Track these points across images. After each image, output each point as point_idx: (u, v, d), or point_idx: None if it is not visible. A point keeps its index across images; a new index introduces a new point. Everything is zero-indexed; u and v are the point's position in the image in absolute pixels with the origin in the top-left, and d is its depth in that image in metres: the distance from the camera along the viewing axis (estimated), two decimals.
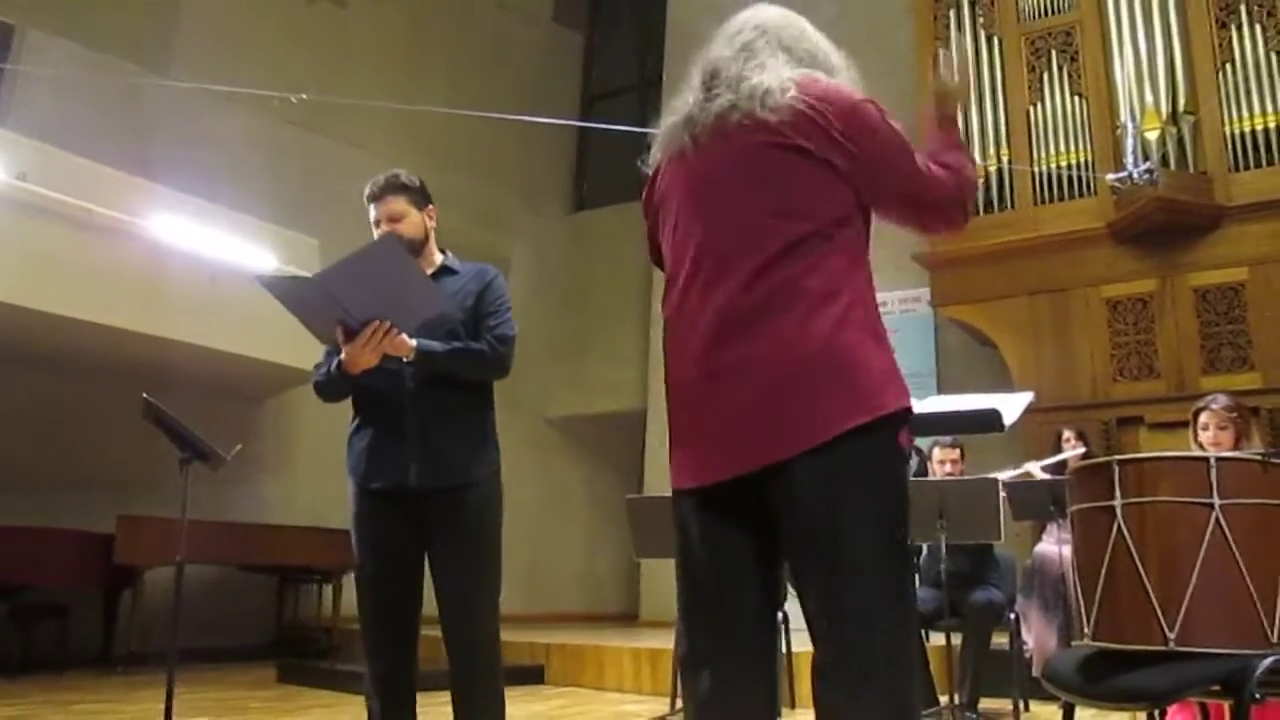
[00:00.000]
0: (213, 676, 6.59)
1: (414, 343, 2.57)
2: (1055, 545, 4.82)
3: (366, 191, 2.79)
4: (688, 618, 1.72)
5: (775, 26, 1.83)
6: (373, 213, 2.78)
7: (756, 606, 1.68)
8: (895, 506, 1.61)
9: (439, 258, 2.84)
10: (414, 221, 2.77)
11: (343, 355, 2.57)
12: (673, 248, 1.80)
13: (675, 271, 1.78)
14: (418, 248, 2.77)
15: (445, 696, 2.66)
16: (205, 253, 7.42)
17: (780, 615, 1.83)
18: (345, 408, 2.79)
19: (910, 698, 1.58)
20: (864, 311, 1.65)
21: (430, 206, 2.84)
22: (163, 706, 3.36)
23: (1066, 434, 5.35)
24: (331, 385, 2.71)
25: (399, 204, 2.76)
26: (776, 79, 1.71)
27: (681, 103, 1.83)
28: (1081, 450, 5.09)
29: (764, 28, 1.82)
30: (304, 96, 5.46)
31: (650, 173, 1.90)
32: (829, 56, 1.83)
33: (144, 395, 3.48)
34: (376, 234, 2.77)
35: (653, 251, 1.94)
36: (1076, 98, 7.25)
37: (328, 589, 8.50)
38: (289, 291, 2.54)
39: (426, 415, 2.66)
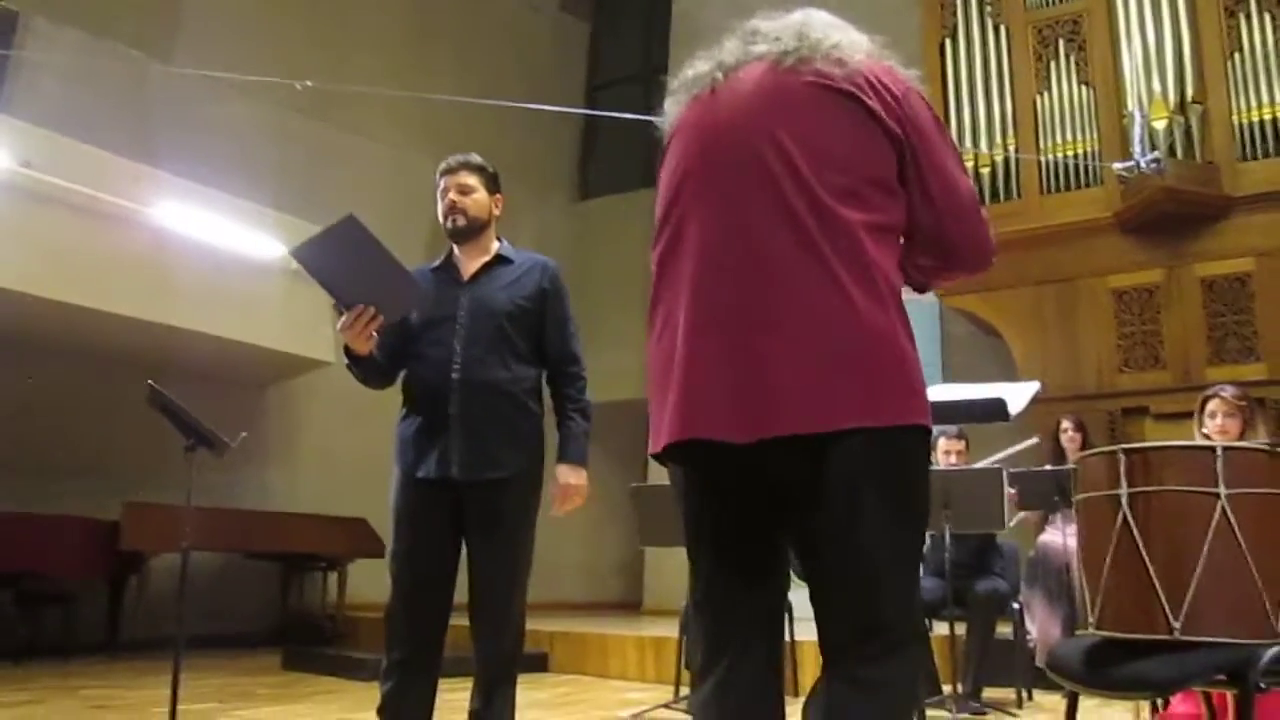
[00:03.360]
0: (218, 663, 6.61)
1: (583, 473, 2.83)
2: (1059, 535, 4.81)
3: (441, 167, 2.83)
4: (697, 601, 1.60)
5: (821, 27, 1.60)
6: (441, 184, 2.82)
7: (764, 593, 1.58)
8: (918, 488, 1.54)
9: (495, 245, 2.87)
10: (481, 200, 2.83)
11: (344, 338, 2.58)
12: (667, 184, 1.59)
13: (667, 211, 1.58)
14: (479, 229, 2.82)
15: (454, 683, 2.66)
16: (210, 240, 7.42)
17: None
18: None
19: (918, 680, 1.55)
20: (898, 299, 1.48)
21: (498, 195, 2.89)
22: (169, 693, 3.36)
23: (1065, 423, 5.36)
24: (354, 368, 2.73)
25: (471, 179, 2.82)
26: (848, 39, 1.54)
27: (709, 54, 1.61)
28: (1035, 440, 5.10)
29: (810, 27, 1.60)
30: (309, 84, 5.43)
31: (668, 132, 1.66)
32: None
33: (149, 382, 3.47)
34: (440, 206, 2.80)
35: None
36: (1084, 87, 7.21)
37: (332, 576, 8.50)
38: (307, 264, 2.51)
39: (472, 407, 2.68)
